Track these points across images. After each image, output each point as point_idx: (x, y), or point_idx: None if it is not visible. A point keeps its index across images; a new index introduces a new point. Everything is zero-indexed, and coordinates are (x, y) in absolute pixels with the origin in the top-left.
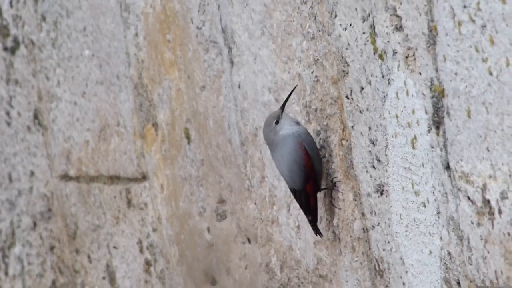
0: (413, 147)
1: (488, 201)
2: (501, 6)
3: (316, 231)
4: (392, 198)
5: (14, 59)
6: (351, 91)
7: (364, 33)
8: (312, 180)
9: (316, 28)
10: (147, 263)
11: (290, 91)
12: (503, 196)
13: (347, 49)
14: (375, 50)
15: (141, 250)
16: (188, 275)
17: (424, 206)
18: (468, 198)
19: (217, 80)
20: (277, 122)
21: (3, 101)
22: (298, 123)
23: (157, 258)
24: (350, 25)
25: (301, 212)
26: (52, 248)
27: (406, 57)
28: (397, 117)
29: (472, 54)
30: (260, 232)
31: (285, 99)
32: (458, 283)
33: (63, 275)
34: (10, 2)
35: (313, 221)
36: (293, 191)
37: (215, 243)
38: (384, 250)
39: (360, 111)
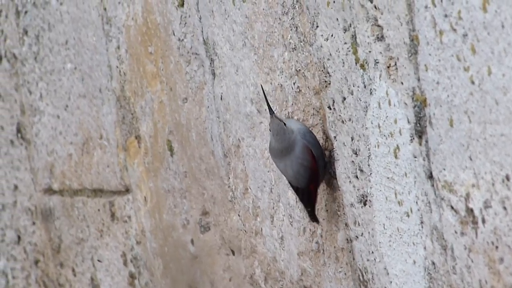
0: (396, 157)
1: (472, 210)
2: (482, 15)
3: (314, 218)
4: (375, 208)
5: None
6: (333, 101)
7: (345, 43)
8: (316, 179)
9: (297, 39)
10: (132, 276)
11: (262, 92)
12: (486, 205)
13: (328, 59)
14: (357, 60)
15: (125, 263)
16: (172, 287)
17: (408, 215)
18: (452, 207)
19: (199, 92)
20: (284, 124)
21: None
22: (294, 119)
23: (141, 271)
24: (332, 35)
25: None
26: (36, 262)
27: (388, 67)
28: (379, 127)
29: (453, 63)
30: (244, 243)
31: (266, 103)
32: None
33: None
34: None
35: (311, 211)
36: (295, 188)
37: (199, 255)
38: (368, 260)
39: (343, 121)
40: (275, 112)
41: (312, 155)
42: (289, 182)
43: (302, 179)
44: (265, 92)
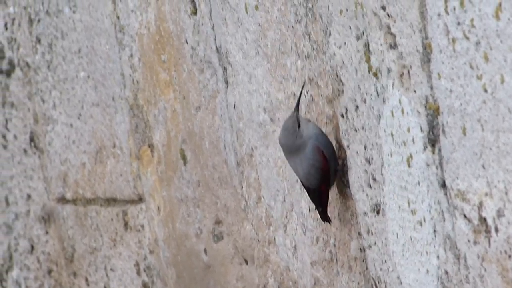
0: (409, 166)
1: (485, 219)
2: (495, 23)
3: (325, 218)
4: (388, 217)
5: (9, 82)
6: (346, 110)
7: (358, 51)
8: (327, 180)
9: (310, 47)
10: (145, 285)
11: (301, 90)
12: (500, 214)
13: (341, 67)
14: (370, 68)
15: (138, 273)
16: None
17: (421, 224)
18: (465, 216)
19: (212, 100)
20: (299, 126)
21: None
22: (314, 124)
23: (154, 280)
24: (345, 43)
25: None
26: (49, 271)
27: (401, 75)
28: (392, 135)
29: (466, 71)
30: (257, 253)
31: (297, 100)
32: None
33: None
34: (5, 25)
35: (323, 212)
36: (307, 187)
37: (212, 265)
38: (381, 269)
39: (356, 130)
40: (299, 111)
41: (324, 155)
42: (300, 181)
43: (313, 179)
44: (303, 88)
